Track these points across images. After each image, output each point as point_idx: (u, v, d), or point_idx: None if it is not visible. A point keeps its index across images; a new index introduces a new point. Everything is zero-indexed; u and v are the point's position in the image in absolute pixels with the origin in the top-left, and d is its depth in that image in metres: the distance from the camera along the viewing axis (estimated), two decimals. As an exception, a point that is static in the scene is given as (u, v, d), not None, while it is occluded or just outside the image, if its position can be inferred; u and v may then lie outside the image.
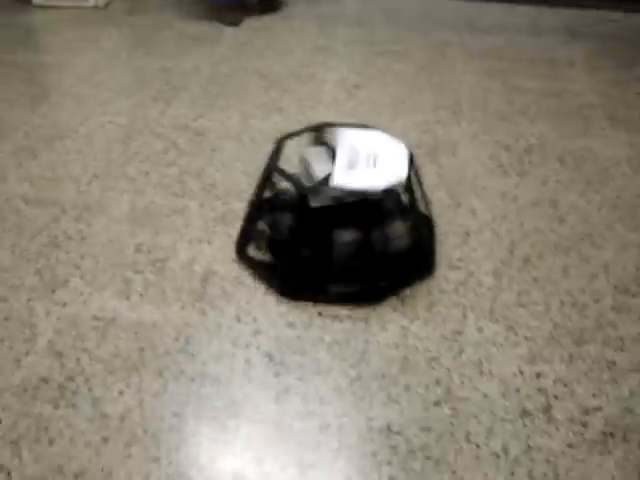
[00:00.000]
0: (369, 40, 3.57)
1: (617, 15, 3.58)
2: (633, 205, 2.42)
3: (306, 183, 2.04)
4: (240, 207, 2.38)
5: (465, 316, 1.98)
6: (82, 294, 2.05)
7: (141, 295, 2.05)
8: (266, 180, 2.15)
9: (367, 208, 2.00)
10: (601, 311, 2.01)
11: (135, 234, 2.28)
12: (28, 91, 3.10)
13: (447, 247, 2.22)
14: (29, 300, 2.03)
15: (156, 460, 1.61)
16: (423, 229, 2.17)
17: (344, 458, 1.61)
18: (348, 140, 2.09)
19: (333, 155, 2.04)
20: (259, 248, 2.17)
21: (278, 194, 2.22)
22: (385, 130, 2.20)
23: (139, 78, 3.20)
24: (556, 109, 2.98)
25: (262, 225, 2.17)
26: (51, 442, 1.65)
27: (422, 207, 2.21)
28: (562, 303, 2.03)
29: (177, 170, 2.58)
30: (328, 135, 2.13)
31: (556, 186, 2.51)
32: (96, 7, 3.88)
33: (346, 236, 2.01)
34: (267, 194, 2.20)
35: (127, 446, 1.64)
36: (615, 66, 3.34)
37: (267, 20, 3.76)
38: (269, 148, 2.64)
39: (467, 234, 2.28)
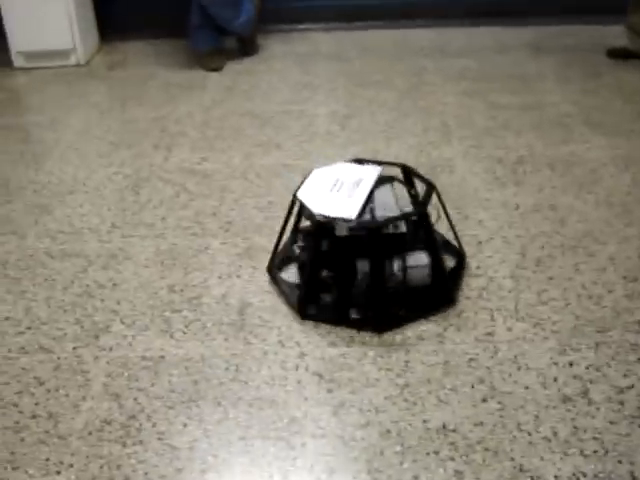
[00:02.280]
0: (349, 72, 3.74)
1: (575, 28, 3.82)
2: (625, 202, 2.60)
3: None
4: (260, 241, 2.49)
5: (493, 318, 2.12)
6: (126, 337, 2.13)
7: (184, 332, 2.14)
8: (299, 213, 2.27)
9: (386, 237, 2.12)
10: (616, 299, 2.16)
11: (165, 276, 2.37)
12: (29, 150, 3.19)
13: (463, 257, 2.36)
14: (75, 348, 2.11)
15: (232, 482, 1.70)
16: (443, 259, 2.26)
17: (409, 460, 1.72)
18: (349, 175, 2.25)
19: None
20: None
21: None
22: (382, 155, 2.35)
23: (135, 129, 3.31)
24: (537, 120, 3.17)
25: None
26: (127, 479, 1.73)
27: (451, 239, 2.36)
28: (579, 296, 2.18)
29: (192, 212, 2.68)
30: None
31: (552, 191, 2.68)
32: (77, 65, 3.99)
33: (367, 266, 2.13)
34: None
35: (202, 473, 1.72)
36: (582, 76, 3.56)
37: (248, 63, 3.92)
38: (276, 182, 2.77)
39: (479, 243, 2.42)
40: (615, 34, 3.75)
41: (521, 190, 2.70)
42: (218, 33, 3.83)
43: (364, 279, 2.12)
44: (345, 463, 1.72)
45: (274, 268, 2.33)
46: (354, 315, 2.15)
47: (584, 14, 3.95)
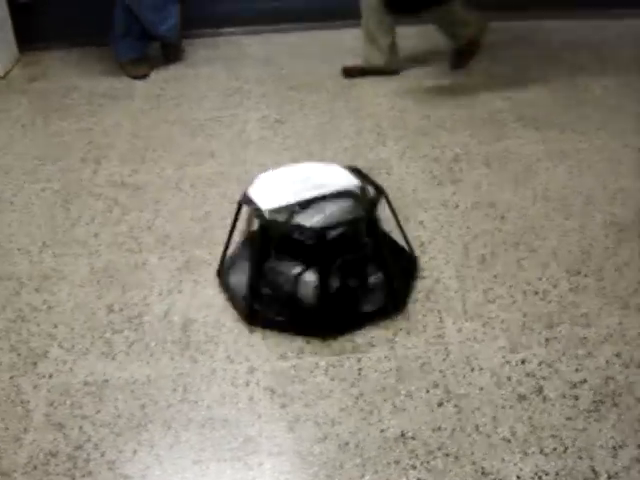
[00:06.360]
0: (279, 76, 3.68)
1: (497, 25, 3.83)
2: (562, 195, 2.63)
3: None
4: (199, 253, 2.42)
5: (442, 320, 2.11)
6: (65, 362, 2.04)
7: (127, 354, 2.05)
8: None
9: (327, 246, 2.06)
10: (561, 294, 2.18)
11: (102, 295, 2.28)
12: (-52, 171, 3.02)
13: (407, 259, 2.34)
14: (12, 378, 2.00)
15: (189, 509, 1.64)
16: (393, 264, 2.20)
17: (370, 471, 1.69)
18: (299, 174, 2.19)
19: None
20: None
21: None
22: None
23: (61, 142, 3.18)
24: (469, 118, 3.18)
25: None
26: (76, 513, 1.64)
27: (403, 242, 2.32)
28: (525, 293, 2.19)
29: (126, 227, 2.59)
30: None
31: (489, 188, 2.69)
32: (-5, 78, 3.81)
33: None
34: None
35: (156, 501, 1.65)
36: (511, 71, 3.60)
37: (174, 69, 3.81)
38: (212, 192, 2.71)
39: (422, 244, 2.41)
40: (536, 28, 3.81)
41: (459, 188, 2.70)
42: (143, 41, 3.71)
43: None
44: (305, 480, 1.68)
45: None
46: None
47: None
